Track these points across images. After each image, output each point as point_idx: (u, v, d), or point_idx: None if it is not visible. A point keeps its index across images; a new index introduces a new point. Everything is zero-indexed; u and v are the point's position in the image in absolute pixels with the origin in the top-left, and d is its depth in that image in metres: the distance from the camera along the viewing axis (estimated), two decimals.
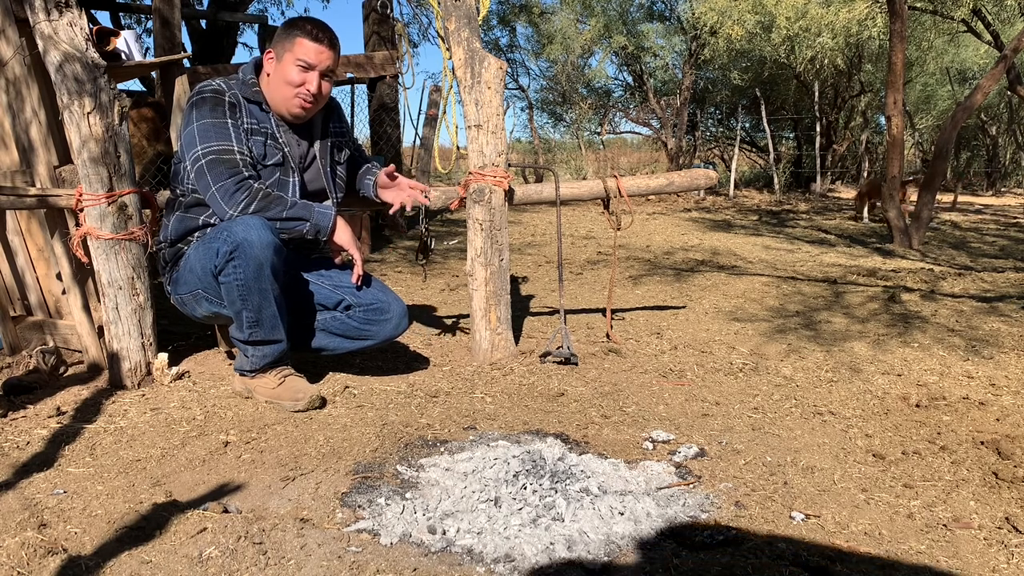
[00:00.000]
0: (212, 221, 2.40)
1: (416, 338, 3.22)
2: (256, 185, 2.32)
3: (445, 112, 3.14)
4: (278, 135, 2.43)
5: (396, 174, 2.73)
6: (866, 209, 8.75)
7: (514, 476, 1.83)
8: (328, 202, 2.58)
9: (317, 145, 2.55)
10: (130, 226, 2.46)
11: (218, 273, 2.26)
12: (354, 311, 2.53)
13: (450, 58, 2.82)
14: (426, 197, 2.70)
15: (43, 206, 2.53)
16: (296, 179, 2.47)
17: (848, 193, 12.91)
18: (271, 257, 2.23)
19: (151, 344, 2.57)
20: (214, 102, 2.34)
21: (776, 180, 13.19)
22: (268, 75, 2.42)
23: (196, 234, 2.45)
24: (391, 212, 2.67)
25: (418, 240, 2.95)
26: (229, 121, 2.34)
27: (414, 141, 7.40)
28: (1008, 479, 1.89)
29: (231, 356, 2.81)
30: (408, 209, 2.69)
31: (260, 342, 2.34)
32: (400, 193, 2.69)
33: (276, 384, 2.36)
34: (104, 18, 8.09)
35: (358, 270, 2.52)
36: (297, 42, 2.37)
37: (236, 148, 2.32)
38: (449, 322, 3.55)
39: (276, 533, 1.57)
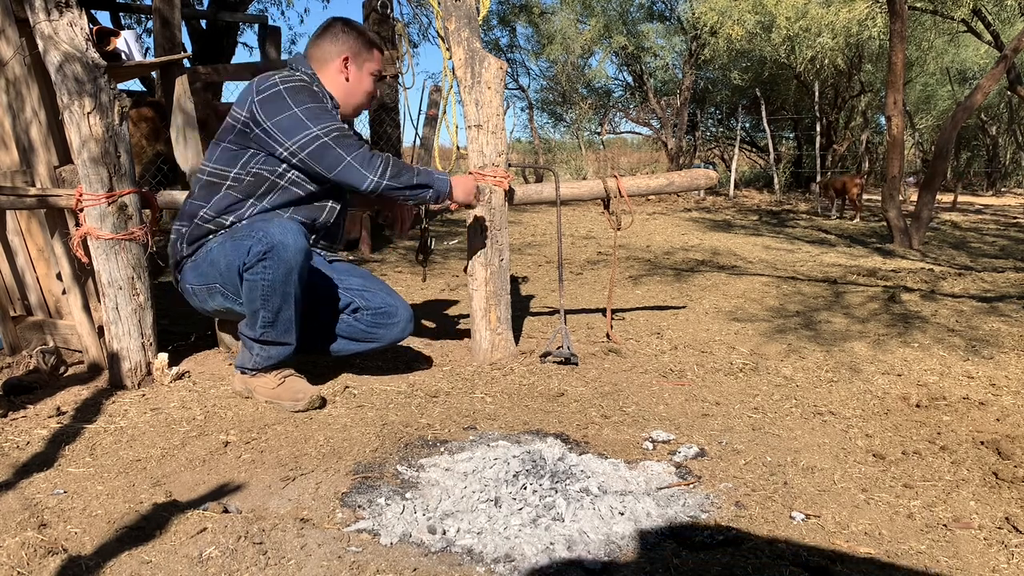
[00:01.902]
0: (248, 212, 2.39)
1: (416, 338, 3.21)
2: (387, 154, 2.38)
3: (445, 112, 3.13)
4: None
5: None
6: (834, 206, 9.36)
7: (514, 476, 1.83)
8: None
9: None
10: (130, 226, 2.46)
11: (245, 270, 2.25)
12: (362, 314, 2.54)
13: (450, 58, 2.82)
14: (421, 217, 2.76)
15: (43, 206, 2.53)
16: None
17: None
18: (302, 263, 2.26)
19: (151, 344, 2.57)
20: (310, 91, 2.39)
21: (776, 180, 13.20)
22: (347, 80, 2.49)
23: (232, 217, 2.40)
24: (381, 221, 2.72)
25: (418, 240, 2.95)
26: (329, 105, 2.43)
27: (414, 141, 7.39)
28: (1008, 479, 1.89)
29: (232, 355, 2.81)
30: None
31: (270, 342, 2.34)
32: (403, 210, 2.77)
33: (276, 384, 2.36)
34: (104, 18, 8.09)
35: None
36: (375, 56, 2.53)
37: (344, 126, 2.40)
38: (449, 322, 3.55)
39: (276, 533, 1.57)
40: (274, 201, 2.40)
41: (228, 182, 2.39)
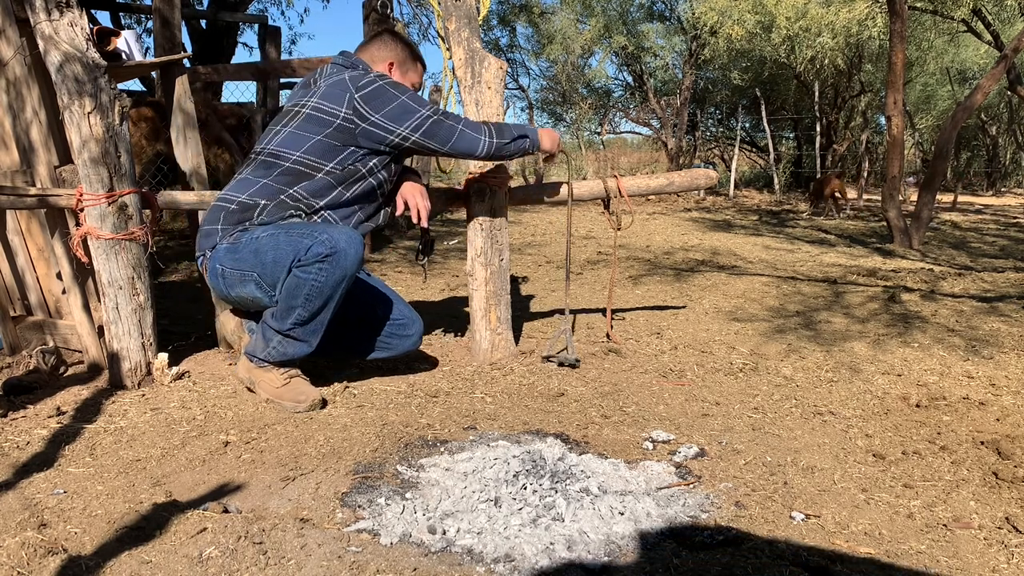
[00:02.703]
0: (335, 198, 2.42)
1: None
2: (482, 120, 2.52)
3: None
4: None
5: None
6: (816, 205, 9.72)
7: (514, 476, 1.83)
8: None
9: None
10: (130, 226, 2.46)
11: (298, 266, 2.23)
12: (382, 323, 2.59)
13: (450, 58, 2.82)
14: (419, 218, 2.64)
15: (43, 206, 2.53)
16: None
17: (848, 193, 12.92)
18: (356, 272, 2.30)
19: (151, 344, 2.57)
20: (400, 85, 2.48)
21: (776, 180, 13.19)
22: None
23: (323, 201, 2.40)
24: (397, 214, 2.67)
25: (418, 240, 2.94)
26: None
27: None
28: (1008, 479, 1.90)
29: (231, 356, 2.81)
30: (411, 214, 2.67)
31: (294, 339, 2.34)
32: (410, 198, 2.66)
33: (281, 383, 2.36)
34: (104, 18, 8.10)
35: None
36: (418, 68, 2.64)
37: None
38: (449, 322, 3.55)
39: (276, 533, 1.57)
40: (355, 192, 2.46)
41: (323, 173, 2.40)
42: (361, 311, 2.59)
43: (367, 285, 2.65)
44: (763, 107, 12.80)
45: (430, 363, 2.87)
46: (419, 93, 2.62)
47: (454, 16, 2.74)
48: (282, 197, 2.37)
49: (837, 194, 9.43)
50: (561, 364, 2.84)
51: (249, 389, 2.45)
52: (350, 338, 2.62)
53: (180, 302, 3.87)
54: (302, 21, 32.64)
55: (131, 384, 2.51)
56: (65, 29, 2.33)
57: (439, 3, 2.77)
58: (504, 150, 2.51)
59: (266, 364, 2.38)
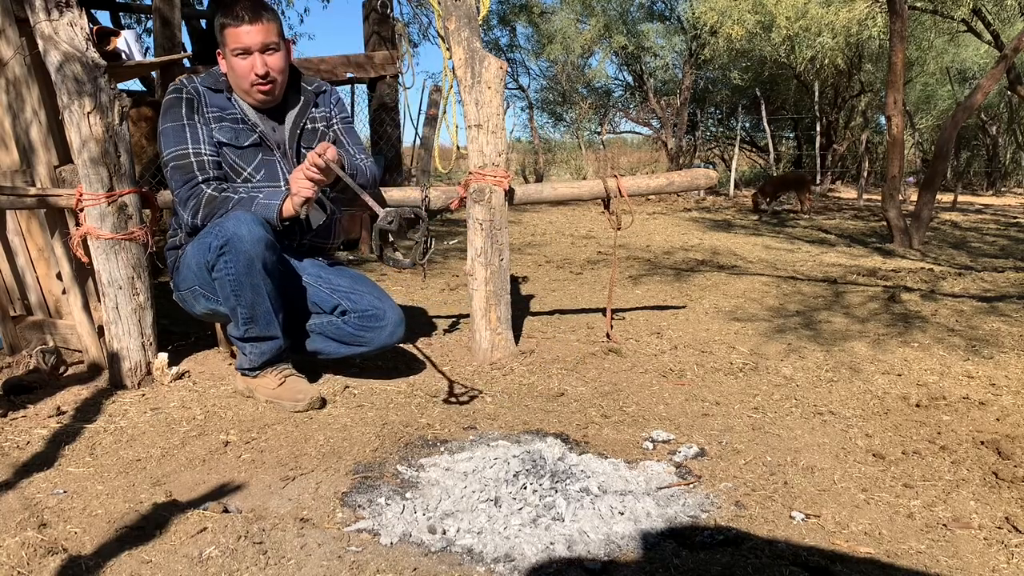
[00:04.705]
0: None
1: (416, 338, 3.21)
2: (206, 190, 2.36)
3: (445, 112, 3.13)
4: (247, 117, 2.47)
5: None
6: (765, 204, 9.75)
7: (514, 476, 1.83)
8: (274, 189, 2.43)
9: (285, 130, 2.53)
10: (130, 226, 2.46)
11: (211, 268, 2.28)
12: (349, 316, 2.50)
13: (450, 58, 2.81)
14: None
15: (43, 206, 2.53)
16: (282, 161, 2.49)
17: (848, 193, 12.94)
18: (262, 252, 2.23)
19: (151, 344, 2.57)
20: (173, 103, 2.42)
21: None
22: (226, 70, 2.47)
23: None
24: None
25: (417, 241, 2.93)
26: (186, 121, 2.40)
27: (414, 141, 7.40)
28: (1008, 479, 1.90)
29: (232, 356, 2.81)
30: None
31: (256, 338, 2.35)
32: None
33: (276, 384, 2.36)
34: (104, 18, 8.09)
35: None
36: (226, 34, 2.37)
37: (191, 149, 2.38)
38: (449, 322, 3.55)
39: (276, 533, 1.57)
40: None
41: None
42: (327, 307, 2.52)
43: (329, 279, 2.55)
44: (763, 107, 12.81)
45: (430, 363, 2.87)
46: (246, 53, 2.35)
47: (454, 16, 2.74)
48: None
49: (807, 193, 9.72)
50: (396, 265, 2.40)
51: (249, 398, 2.45)
52: (319, 340, 2.56)
53: None
54: (302, 21, 32.37)
55: (131, 384, 2.51)
56: (65, 29, 2.33)
57: (439, 3, 2.77)
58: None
59: (257, 372, 2.40)
